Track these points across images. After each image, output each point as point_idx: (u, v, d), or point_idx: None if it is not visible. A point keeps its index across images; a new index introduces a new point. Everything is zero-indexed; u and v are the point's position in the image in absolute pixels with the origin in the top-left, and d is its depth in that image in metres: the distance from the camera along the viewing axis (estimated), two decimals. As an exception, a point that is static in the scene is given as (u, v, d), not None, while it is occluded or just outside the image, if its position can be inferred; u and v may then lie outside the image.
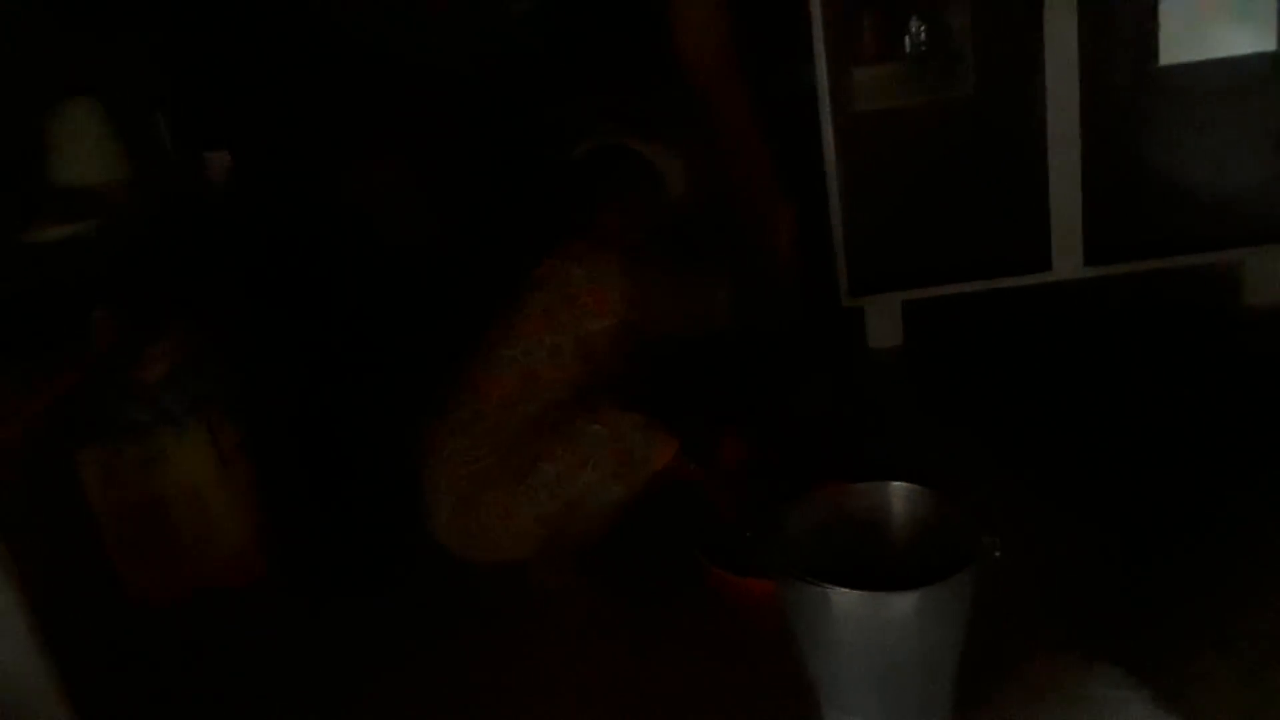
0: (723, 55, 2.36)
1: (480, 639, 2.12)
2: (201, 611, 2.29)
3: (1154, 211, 3.13)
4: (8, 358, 2.04)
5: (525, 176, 3.10)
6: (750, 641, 1.95)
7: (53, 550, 2.04)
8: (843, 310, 3.23)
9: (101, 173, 2.51)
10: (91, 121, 2.51)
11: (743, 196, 2.41)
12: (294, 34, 3.15)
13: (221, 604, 2.32)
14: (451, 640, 2.12)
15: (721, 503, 2.26)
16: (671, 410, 2.21)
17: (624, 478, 2.12)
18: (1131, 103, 3.07)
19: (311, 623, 2.24)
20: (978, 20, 3.08)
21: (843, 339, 3.33)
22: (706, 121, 2.38)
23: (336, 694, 1.99)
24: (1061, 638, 1.83)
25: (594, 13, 3.35)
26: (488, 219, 3.11)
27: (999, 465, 2.45)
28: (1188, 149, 3.05)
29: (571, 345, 2.21)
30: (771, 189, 2.39)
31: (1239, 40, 2.95)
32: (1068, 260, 3.13)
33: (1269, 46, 2.93)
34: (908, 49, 3.26)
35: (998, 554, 1.54)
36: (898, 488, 1.75)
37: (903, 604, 1.51)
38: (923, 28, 3.25)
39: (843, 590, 1.51)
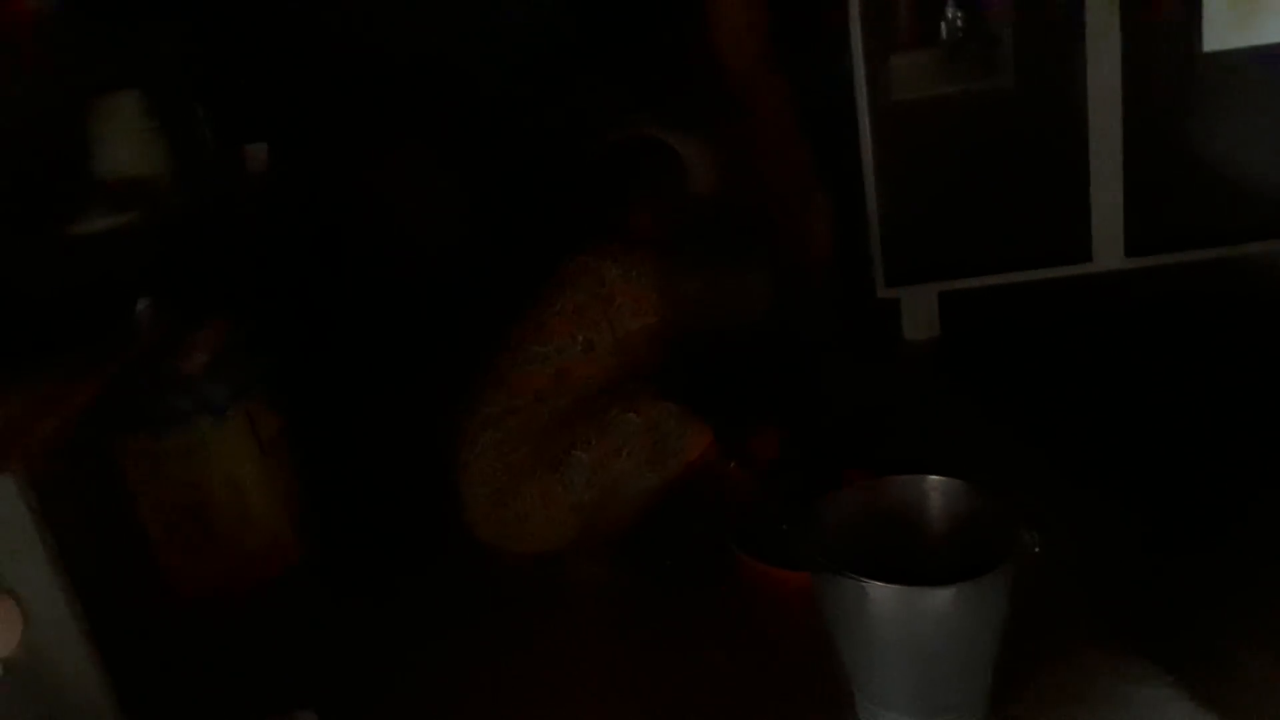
0: (761, 49, 2.35)
1: (512, 628, 2.13)
2: (234, 602, 2.31)
3: (1197, 201, 3.08)
4: (53, 350, 2.07)
5: (555, 169, 3.10)
6: (783, 631, 1.96)
7: (97, 542, 2.07)
8: (878, 301, 3.21)
9: (144, 165, 2.55)
10: (134, 115, 2.56)
11: (778, 188, 2.40)
12: (328, 28, 3.18)
13: (254, 594, 2.33)
14: (483, 629, 2.14)
15: (753, 494, 2.26)
16: (706, 402, 2.21)
17: (658, 466, 2.13)
18: (1174, 90, 3.02)
19: (341, 612, 2.26)
20: (1017, 3, 3.04)
21: (878, 331, 3.31)
22: (743, 114, 2.37)
23: (366, 685, 2.01)
24: (1102, 633, 1.81)
25: (625, 3, 3.34)
26: (517, 213, 3.11)
27: (1036, 459, 2.43)
28: (1231, 137, 3.00)
29: (609, 343, 2.21)
30: (808, 180, 2.38)
31: (1285, 26, 2.89)
32: (1109, 251, 3.08)
33: (1316, 32, 2.87)
34: (944, 35, 3.23)
35: (1037, 549, 1.53)
36: (934, 481, 1.74)
37: (939, 599, 1.50)
38: (959, 14, 3.21)
39: (879, 584, 1.51)
